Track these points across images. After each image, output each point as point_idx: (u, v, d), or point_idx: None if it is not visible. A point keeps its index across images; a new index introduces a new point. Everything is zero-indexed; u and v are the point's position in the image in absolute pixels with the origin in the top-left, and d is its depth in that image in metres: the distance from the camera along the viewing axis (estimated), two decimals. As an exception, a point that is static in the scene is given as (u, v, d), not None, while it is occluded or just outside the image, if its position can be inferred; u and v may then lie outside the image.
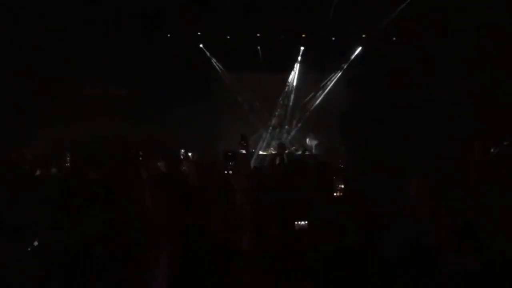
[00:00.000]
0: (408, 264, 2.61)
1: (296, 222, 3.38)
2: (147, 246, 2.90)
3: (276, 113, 12.40)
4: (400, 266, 2.62)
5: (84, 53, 8.82)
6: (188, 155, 8.79)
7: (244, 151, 9.74)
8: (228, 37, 10.83)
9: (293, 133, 12.24)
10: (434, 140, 8.94)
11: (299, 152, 11.09)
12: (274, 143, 12.01)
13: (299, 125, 12.24)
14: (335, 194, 5.50)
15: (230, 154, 9.07)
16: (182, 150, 8.52)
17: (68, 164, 7.20)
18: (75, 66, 8.83)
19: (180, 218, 3.29)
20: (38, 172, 6.26)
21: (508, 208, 2.87)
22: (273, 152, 11.41)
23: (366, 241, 2.86)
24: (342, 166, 8.51)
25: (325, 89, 12.19)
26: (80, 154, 7.56)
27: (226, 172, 7.54)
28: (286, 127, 12.37)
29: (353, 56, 11.52)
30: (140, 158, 7.79)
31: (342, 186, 5.47)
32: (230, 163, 8.64)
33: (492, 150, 7.04)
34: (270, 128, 12.41)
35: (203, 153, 9.53)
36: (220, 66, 11.84)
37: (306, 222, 3.37)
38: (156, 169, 6.26)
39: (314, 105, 12.27)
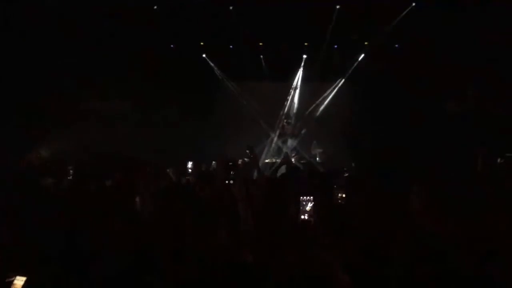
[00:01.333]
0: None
1: (301, 216, 3.37)
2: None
3: (280, 122, 12.38)
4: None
5: (86, 64, 8.87)
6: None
7: (247, 160, 9.71)
8: (231, 46, 10.88)
9: (296, 141, 12.21)
10: (437, 148, 8.90)
11: (303, 161, 11.05)
12: (277, 151, 12.01)
13: (303, 133, 12.21)
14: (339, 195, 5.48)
15: (230, 164, 9.04)
16: (190, 163, 8.49)
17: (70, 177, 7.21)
18: (77, 78, 8.88)
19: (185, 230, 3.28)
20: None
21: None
22: (277, 161, 11.41)
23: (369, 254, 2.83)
24: (346, 174, 8.46)
25: (328, 97, 12.18)
26: (83, 165, 7.57)
27: (227, 182, 7.53)
28: (290, 135, 12.33)
29: (355, 64, 11.51)
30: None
31: (344, 195, 5.44)
32: (232, 173, 8.62)
33: (498, 160, 7.03)
34: (274, 136, 12.37)
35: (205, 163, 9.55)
36: (223, 76, 11.86)
37: (310, 216, 3.36)
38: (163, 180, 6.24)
39: (318, 113, 12.25)
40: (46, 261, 2.74)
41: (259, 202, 3.81)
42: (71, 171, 7.49)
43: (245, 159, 9.98)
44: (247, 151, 10.36)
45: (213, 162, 9.34)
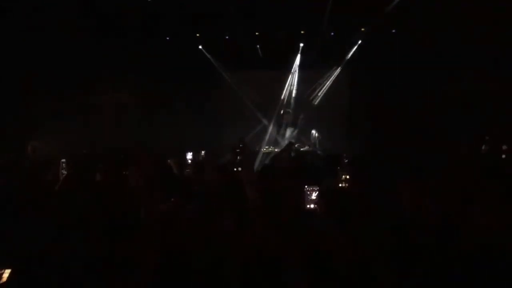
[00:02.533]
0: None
1: (307, 206, 3.40)
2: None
3: (279, 111, 12.39)
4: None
5: (82, 57, 8.81)
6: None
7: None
8: (227, 37, 10.82)
9: (296, 129, 12.23)
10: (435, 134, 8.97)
11: (304, 148, 11.09)
12: (275, 140, 12.05)
13: (302, 121, 12.22)
14: (340, 185, 5.54)
15: (237, 150, 9.20)
16: (190, 154, 8.49)
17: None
18: (74, 71, 8.82)
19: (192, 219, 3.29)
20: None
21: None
22: (276, 150, 11.44)
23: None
24: (346, 160, 8.51)
25: (326, 85, 12.17)
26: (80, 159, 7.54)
27: (235, 168, 7.62)
28: (289, 124, 12.35)
29: (353, 50, 11.47)
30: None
31: (348, 177, 5.50)
32: (238, 158, 8.74)
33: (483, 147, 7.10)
34: (272, 125, 12.39)
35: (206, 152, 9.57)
36: (220, 66, 11.83)
37: (316, 205, 3.39)
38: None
39: (316, 101, 12.26)
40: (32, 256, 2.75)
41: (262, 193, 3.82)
42: (63, 164, 7.50)
43: (237, 150, 10.10)
44: (240, 145, 10.47)
45: (202, 152, 9.45)
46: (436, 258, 2.40)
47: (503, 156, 7.52)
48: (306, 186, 3.44)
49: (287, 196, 3.47)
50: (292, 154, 9.11)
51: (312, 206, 3.42)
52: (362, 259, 2.51)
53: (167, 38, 10.70)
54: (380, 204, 3.12)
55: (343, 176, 5.24)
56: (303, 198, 3.41)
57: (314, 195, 3.40)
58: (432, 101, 9.79)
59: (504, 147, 7.74)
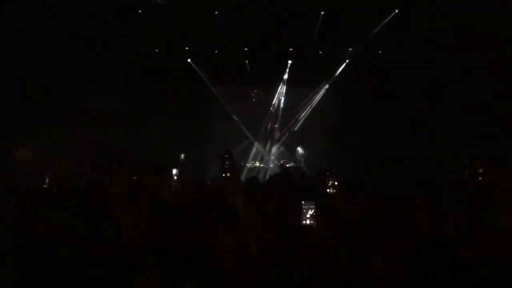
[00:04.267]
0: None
1: (303, 222, 3.40)
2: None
3: (266, 126, 12.42)
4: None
5: (75, 68, 8.72)
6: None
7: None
8: (216, 51, 10.86)
9: (282, 146, 12.26)
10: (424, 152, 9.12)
11: (289, 165, 11.12)
12: (261, 156, 12.09)
13: (288, 137, 12.28)
14: (328, 190, 5.58)
15: (226, 156, 9.18)
16: (175, 170, 8.47)
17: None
18: (65, 81, 8.70)
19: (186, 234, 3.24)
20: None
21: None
22: (261, 165, 11.47)
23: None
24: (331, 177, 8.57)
25: (313, 101, 12.28)
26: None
27: (224, 175, 7.61)
28: (275, 139, 12.38)
29: (340, 69, 11.65)
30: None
31: (336, 183, 5.57)
32: (227, 163, 8.73)
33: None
34: (258, 141, 12.40)
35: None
36: (208, 80, 11.82)
37: (312, 221, 3.39)
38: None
39: (303, 117, 12.33)
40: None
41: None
42: (47, 179, 7.34)
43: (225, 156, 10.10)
44: (226, 151, 10.46)
45: (182, 155, 9.61)
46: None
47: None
48: (303, 202, 3.44)
49: (282, 213, 3.46)
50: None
51: (308, 222, 3.41)
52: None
53: (156, 51, 10.67)
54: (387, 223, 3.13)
55: (332, 182, 5.33)
56: (300, 214, 3.40)
57: (310, 212, 3.40)
58: (419, 118, 9.95)
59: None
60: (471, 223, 3.22)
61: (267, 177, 9.58)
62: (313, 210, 3.39)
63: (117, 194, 5.01)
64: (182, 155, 10.08)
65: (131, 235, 3.26)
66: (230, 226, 3.17)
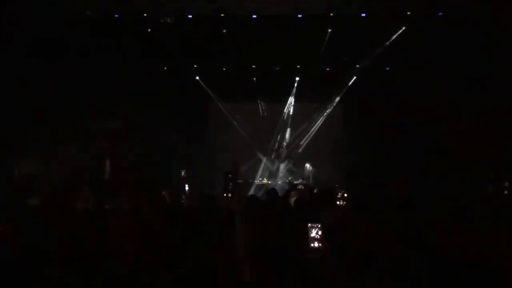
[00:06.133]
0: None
1: (311, 245, 3.31)
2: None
3: (274, 144, 12.42)
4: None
5: (80, 85, 8.77)
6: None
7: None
8: (224, 69, 10.93)
9: (290, 163, 12.21)
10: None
11: (298, 182, 11.06)
12: (270, 173, 12.06)
13: (296, 154, 12.24)
14: (338, 202, 5.52)
15: (230, 176, 9.22)
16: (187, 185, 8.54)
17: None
18: (70, 98, 8.73)
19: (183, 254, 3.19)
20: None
21: None
22: (269, 182, 11.42)
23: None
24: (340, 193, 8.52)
25: (321, 118, 12.26)
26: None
27: (225, 195, 7.59)
28: (283, 156, 12.35)
29: (347, 86, 11.64)
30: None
31: (346, 195, 5.51)
32: (230, 184, 8.76)
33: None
34: (267, 158, 12.40)
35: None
36: (216, 97, 11.88)
37: (320, 243, 3.30)
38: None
39: (311, 134, 12.31)
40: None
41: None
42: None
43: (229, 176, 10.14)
44: (233, 169, 10.44)
45: (182, 171, 9.68)
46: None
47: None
48: (309, 225, 3.36)
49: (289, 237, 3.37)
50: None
51: (316, 245, 3.33)
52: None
53: (165, 68, 10.77)
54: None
55: (341, 194, 5.26)
56: (307, 236, 3.32)
57: (316, 233, 3.33)
58: (425, 136, 9.86)
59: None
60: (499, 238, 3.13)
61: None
62: (320, 231, 3.31)
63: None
64: (183, 172, 10.17)
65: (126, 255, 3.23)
66: (224, 250, 3.14)
